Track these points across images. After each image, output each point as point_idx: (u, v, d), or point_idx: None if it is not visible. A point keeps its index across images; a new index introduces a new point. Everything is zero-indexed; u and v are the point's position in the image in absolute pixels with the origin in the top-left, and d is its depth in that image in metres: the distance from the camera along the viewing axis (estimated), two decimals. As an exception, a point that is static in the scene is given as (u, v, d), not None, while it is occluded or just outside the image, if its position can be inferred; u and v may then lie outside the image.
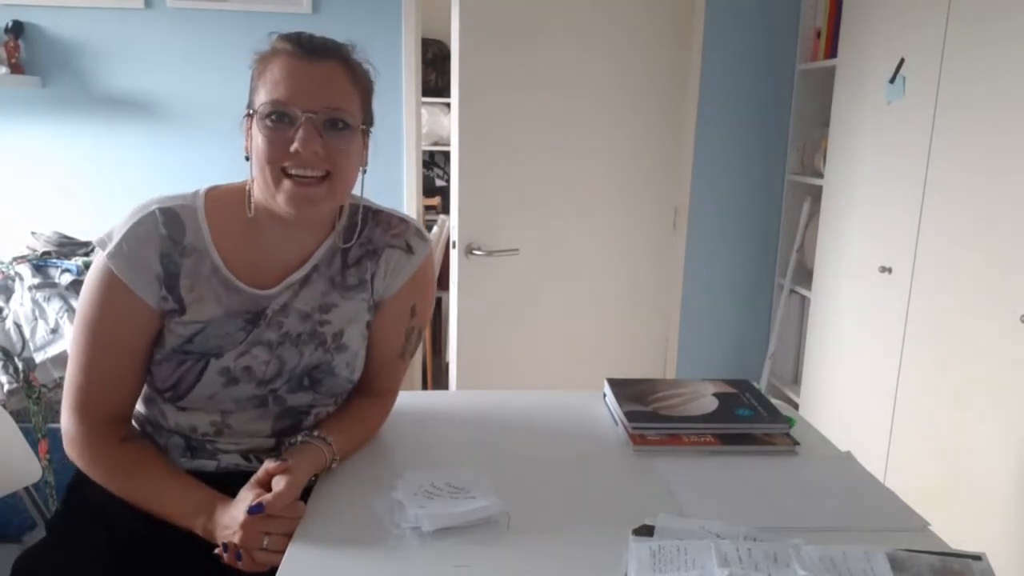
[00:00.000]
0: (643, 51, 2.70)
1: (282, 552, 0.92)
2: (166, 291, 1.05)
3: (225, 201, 1.10)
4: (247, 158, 1.06)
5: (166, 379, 1.07)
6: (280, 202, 1.03)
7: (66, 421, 1.07)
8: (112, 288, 1.03)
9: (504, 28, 2.37)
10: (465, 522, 0.96)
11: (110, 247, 1.03)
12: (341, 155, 1.03)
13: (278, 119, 1.00)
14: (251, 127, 1.04)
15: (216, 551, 0.96)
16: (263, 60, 1.04)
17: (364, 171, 1.11)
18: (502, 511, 0.98)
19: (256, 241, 1.09)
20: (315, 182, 1.02)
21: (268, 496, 0.96)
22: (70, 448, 1.08)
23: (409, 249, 1.18)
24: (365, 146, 1.10)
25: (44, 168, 2.76)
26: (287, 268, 1.11)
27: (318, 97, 1.01)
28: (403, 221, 1.19)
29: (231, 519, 0.97)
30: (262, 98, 1.01)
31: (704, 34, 2.86)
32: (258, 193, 1.06)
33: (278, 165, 1.01)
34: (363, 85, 1.08)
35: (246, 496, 0.98)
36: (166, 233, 1.05)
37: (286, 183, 1.02)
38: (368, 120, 1.10)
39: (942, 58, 2.05)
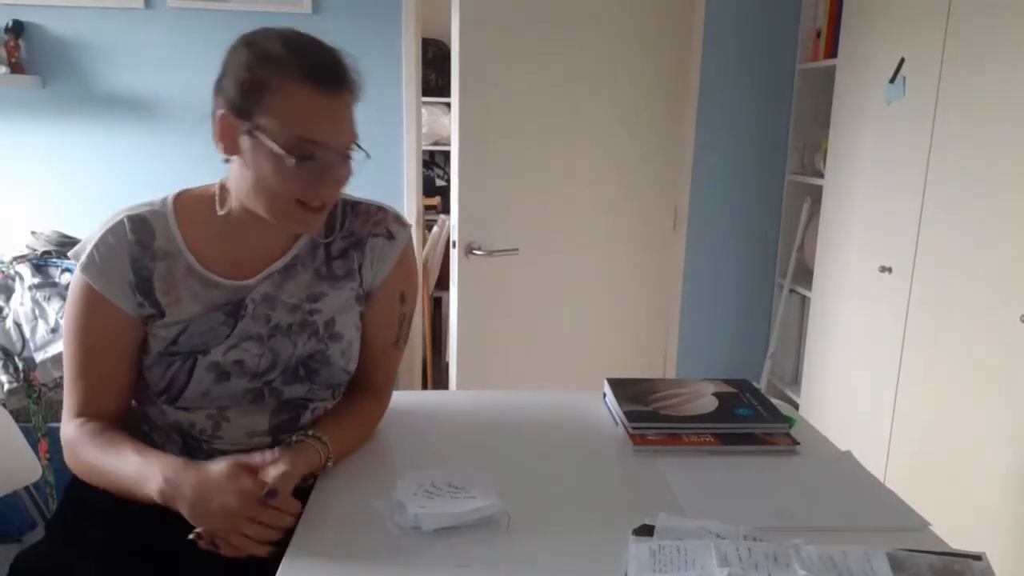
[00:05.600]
0: (643, 51, 2.70)
1: (266, 543, 0.92)
2: (141, 297, 1.06)
3: (196, 203, 1.11)
4: (226, 160, 1.05)
5: (158, 382, 1.08)
6: (288, 224, 1.07)
7: (63, 429, 1.09)
8: (89, 299, 1.05)
9: (504, 28, 2.37)
10: (465, 522, 0.96)
11: (83, 259, 1.05)
12: (345, 184, 1.08)
13: (302, 157, 0.99)
14: (239, 133, 1.01)
15: (191, 536, 0.95)
16: (270, 76, 0.99)
17: None
18: (502, 511, 0.98)
19: (232, 238, 1.10)
20: (320, 208, 1.05)
21: (273, 477, 0.96)
22: (68, 454, 1.09)
23: (390, 235, 1.19)
24: None
25: (44, 168, 2.76)
26: (266, 261, 1.12)
27: (344, 136, 1.02)
28: (381, 209, 1.21)
29: (202, 481, 0.94)
30: (286, 128, 0.98)
31: (704, 34, 2.86)
32: (244, 199, 1.06)
33: (295, 196, 1.02)
34: (357, 100, 1.08)
35: (220, 465, 0.96)
36: (135, 239, 1.06)
37: (297, 211, 1.04)
38: None
39: (942, 58, 2.05)
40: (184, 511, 0.94)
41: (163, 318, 1.07)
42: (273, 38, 1.03)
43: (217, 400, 1.09)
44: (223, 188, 1.10)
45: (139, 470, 0.99)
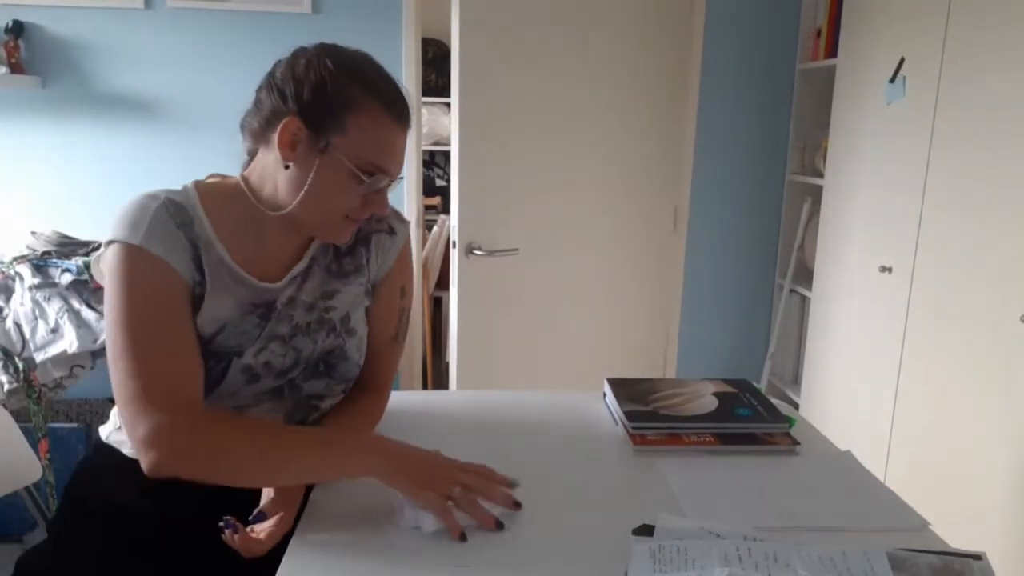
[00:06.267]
0: (643, 51, 2.70)
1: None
2: (200, 275, 1.03)
3: (217, 196, 1.09)
4: (287, 167, 1.04)
5: None
6: (328, 236, 1.10)
7: (150, 420, 0.93)
8: (152, 266, 0.98)
9: (504, 28, 2.38)
10: (465, 523, 0.96)
11: (140, 235, 0.98)
12: None
13: (374, 182, 1.05)
14: (307, 142, 1.02)
15: (221, 523, 0.96)
16: (357, 97, 1.02)
17: None
18: (503, 511, 0.99)
19: (255, 236, 1.09)
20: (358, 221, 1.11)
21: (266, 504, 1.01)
22: (176, 444, 0.93)
23: (392, 231, 1.22)
24: None
25: (44, 168, 2.76)
26: (287, 261, 1.13)
27: (401, 167, 1.10)
28: None
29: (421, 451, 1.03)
30: (361, 151, 1.03)
31: (704, 34, 2.86)
32: (283, 203, 1.06)
33: (346, 211, 1.06)
34: None
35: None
36: (180, 221, 1.03)
37: (341, 224, 1.08)
38: None
39: (942, 58, 2.05)
40: (405, 474, 0.98)
41: (202, 305, 1.03)
42: (359, 59, 1.06)
43: (241, 400, 1.09)
44: (249, 185, 1.09)
45: (342, 447, 1.01)
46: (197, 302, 1.03)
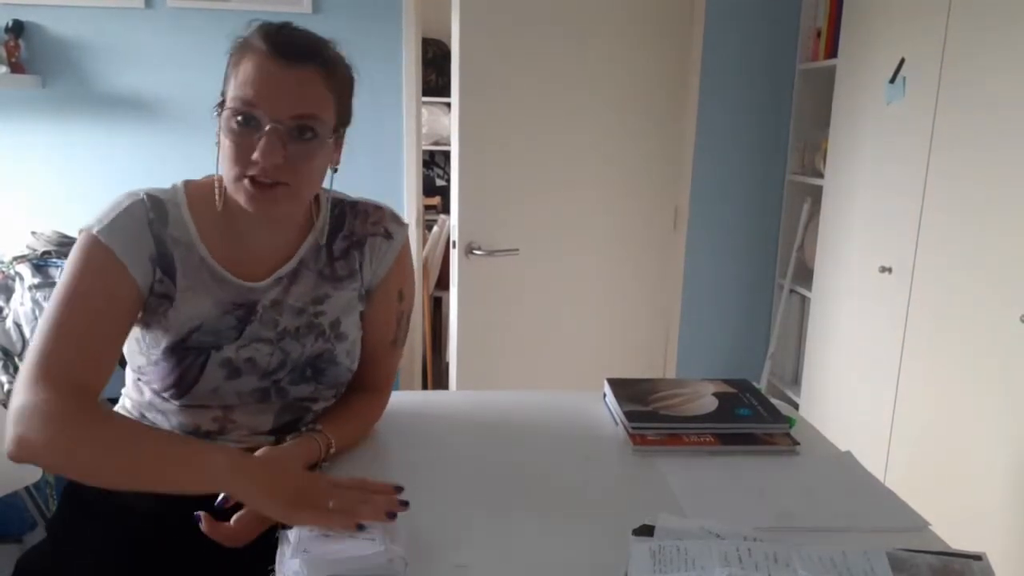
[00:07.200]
0: (643, 51, 2.70)
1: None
2: (162, 273, 1.04)
3: (204, 195, 1.09)
4: (217, 144, 1.05)
5: (166, 377, 1.06)
6: (241, 201, 1.02)
7: (27, 394, 0.91)
8: (105, 263, 1.00)
9: (504, 27, 2.38)
10: (352, 570, 0.83)
11: (101, 225, 1.01)
12: (303, 164, 1.01)
13: (244, 122, 0.98)
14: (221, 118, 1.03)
15: (217, 503, 0.93)
16: (240, 50, 1.02)
17: (335, 170, 1.11)
18: (400, 557, 0.85)
19: (240, 236, 1.09)
20: (273, 186, 1.00)
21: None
22: (38, 422, 0.88)
23: (388, 235, 1.20)
24: (338, 146, 1.09)
25: (44, 168, 2.76)
26: (273, 263, 1.12)
27: (287, 105, 0.98)
28: (378, 208, 1.21)
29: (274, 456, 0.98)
30: (231, 93, 0.99)
31: (704, 34, 2.86)
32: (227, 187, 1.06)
33: (240, 167, 0.99)
34: (341, 87, 1.05)
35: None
36: (155, 217, 1.04)
37: (246, 184, 0.99)
38: (344, 120, 1.08)
39: (942, 58, 2.05)
40: (272, 496, 0.90)
41: (173, 303, 1.04)
42: (267, 22, 1.05)
43: (225, 397, 1.09)
44: (220, 181, 1.09)
45: (201, 459, 0.92)
46: (162, 301, 1.04)
